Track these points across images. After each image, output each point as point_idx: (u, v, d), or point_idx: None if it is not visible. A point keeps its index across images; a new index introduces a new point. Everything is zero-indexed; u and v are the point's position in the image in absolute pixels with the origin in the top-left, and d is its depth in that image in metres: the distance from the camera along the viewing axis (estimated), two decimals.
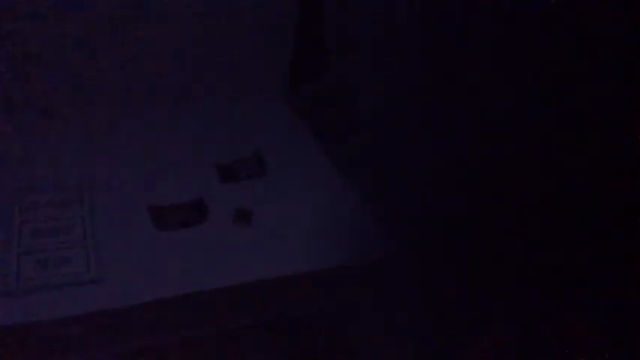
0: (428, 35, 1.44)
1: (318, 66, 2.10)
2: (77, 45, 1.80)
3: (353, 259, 1.49)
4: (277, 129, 2.05)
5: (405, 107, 1.58)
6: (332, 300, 1.52)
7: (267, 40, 2.08)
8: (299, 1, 2.05)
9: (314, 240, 1.54)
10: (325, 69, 2.08)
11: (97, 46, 1.83)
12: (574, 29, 1.03)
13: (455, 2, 1.32)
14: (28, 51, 1.76)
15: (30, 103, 1.83)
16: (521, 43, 1.14)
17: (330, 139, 1.95)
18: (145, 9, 1.83)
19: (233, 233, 1.55)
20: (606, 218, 1.01)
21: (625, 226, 0.97)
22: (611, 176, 1.00)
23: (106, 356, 1.34)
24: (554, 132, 1.09)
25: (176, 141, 1.89)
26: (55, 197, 1.56)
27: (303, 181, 1.79)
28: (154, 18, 1.86)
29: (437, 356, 1.32)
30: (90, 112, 1.91)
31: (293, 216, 1.63)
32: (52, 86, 1.84)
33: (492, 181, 1.23)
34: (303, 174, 1.82)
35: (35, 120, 1.83)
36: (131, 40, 1.87)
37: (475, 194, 1.28)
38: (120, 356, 1.35)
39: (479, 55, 1.26)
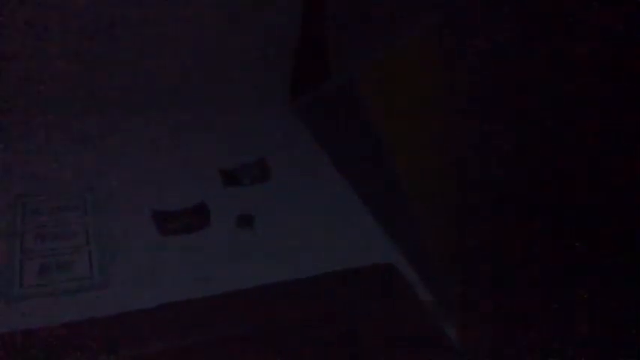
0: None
1: (320, 72, 2.10)
2: (80, 48, 1.80)
3: (356, 262, 1.48)
4: (281, 134, 2.05)
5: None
6: (335, 304, 1.51)
7: (271, 46, 2.08)
8: (302, 7, 2.06)
9: (317, 244, 1.54)
10: (328, 75, 2.08)
11: (100, 50, 1.83)
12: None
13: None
14: (30, 52, 1.76)
15: (33, 106, 1.83)
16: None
17: (334, 145, 1.95)
18: (147, 13, 1.83)
19: (236, 238, 1.55)
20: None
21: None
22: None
23: None
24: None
25: (180, 146, 1.89)
26: (58, 202, 1.56)
27: (306, 187, 1.79)
28: (156, 23, 1.86)
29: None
30: (94, 116, 1.91)
31: (296, 221, 1.62)
32: (56, 89, 1.84)
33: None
34: (306, 179, 1.82)
35: (38, 124, 1.83)
36: (134, 45, 1.87)
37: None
38: None
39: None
